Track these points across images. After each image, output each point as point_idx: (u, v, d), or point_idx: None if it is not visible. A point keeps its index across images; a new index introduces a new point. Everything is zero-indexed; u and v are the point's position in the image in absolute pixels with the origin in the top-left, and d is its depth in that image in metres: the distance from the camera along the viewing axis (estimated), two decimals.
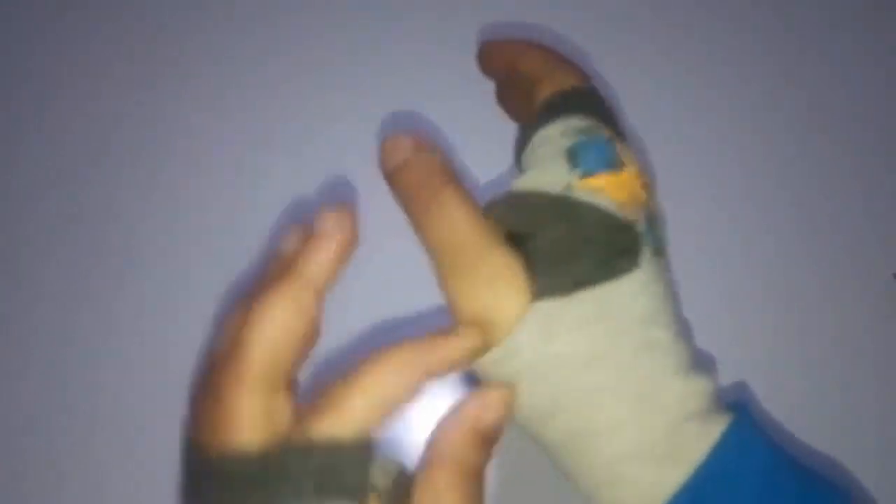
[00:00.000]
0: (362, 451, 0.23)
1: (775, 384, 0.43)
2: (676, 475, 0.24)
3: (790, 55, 0.51)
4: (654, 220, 0.27)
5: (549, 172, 0.26)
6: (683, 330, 0.28)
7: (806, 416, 0.42)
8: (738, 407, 0.27)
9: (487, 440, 0.25)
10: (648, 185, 0.28)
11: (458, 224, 0.25)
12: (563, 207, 0.25)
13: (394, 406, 0.24)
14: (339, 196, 0.47)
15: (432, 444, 0.25)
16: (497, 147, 0.48)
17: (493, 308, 0.25)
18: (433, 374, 0.25)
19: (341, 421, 0.23)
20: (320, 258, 0.25)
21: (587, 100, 0.29)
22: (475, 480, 0.25)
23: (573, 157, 0.26)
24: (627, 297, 0.25)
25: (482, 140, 0.48)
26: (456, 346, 0.24)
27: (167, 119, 0.49)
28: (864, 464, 0.40)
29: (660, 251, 0.27)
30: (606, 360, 0.24)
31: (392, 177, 0.27)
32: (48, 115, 0.49)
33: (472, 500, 0.24)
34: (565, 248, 0.25)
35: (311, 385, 0.26)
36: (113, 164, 0.48)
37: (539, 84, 0.29)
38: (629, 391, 0.24)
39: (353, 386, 0.24)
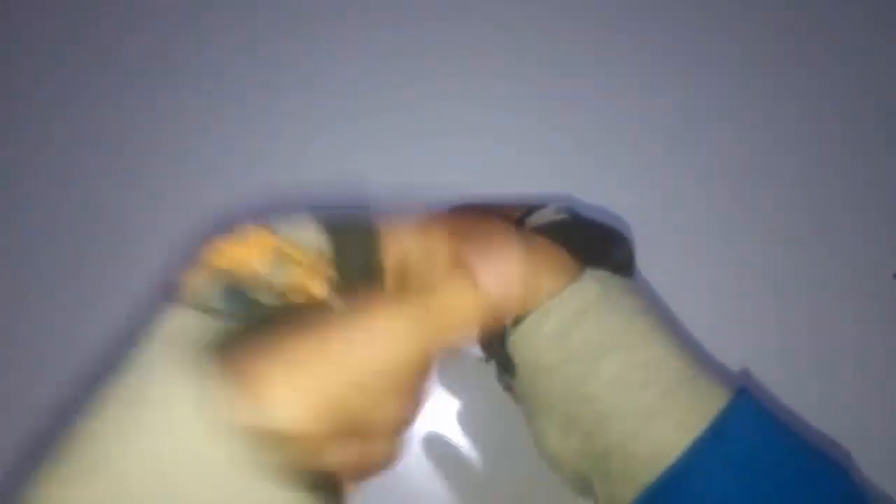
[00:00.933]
0: None
1: (775, 384, 0.43)
2: (690, 430, 0.26)
3: (793, 55, 0.51)
4: None
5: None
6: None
7: (806, 416, 0.42)
8: (741, 388, 0.30)
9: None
10: None
11: (479, 216, 0.30)
12: (581, 224, 0.32)
13: None
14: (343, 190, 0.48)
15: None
16: (493, 145, 0.49)
17: (549, 270, 0.29)
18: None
19: None
20: None
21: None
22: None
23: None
24: (642, 293, 0.30)
25: (476, 138, 0.48)
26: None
27: (167, 119, 0.49)
28: (864, 463, 0.40)
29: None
30: (649, 315, 0.29)
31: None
32: (48, 115, 0.50)
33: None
34: (598, 247, 0.31)
35: None
36: (113, 165, 0.48)
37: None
38: (667, 339, 0.29)
39: None
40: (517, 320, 0.29)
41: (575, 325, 0.28)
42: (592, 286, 0.28)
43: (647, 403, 0.27)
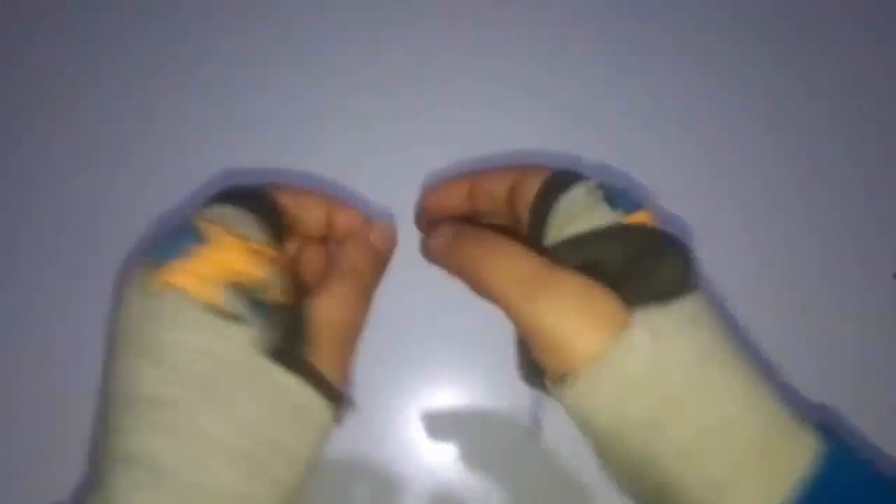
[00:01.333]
0: None
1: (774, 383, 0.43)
2: (785, 482, 0.23)
3: (794, 54, 0.51)
4: None
5: (594, 216, 0.26)
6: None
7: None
8: (827, 436, 0.26)
9: (382, 262, 0.29)
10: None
11: (522, 258, 0.26)
12: (622, 234, 0.26)
13: None
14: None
15: (337, 258, 0.27)
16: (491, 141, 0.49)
17: (587, 323, 0.24)
18: None
19: None
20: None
21: (571, 175, 0.29)
22: (367, 294, 0.28)
23: (611, 201, 0.27)
24: (707, 308, 0.26)
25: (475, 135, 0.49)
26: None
27: (167, 121, 0.49)
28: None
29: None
30: (713, 359, 0.24)
31: (440, 259, 0.29)
32: (48, 116, 0.50)
33: (362, 310, 0.27)
34: (644, 265, 0.25)
35: None
36: (111, 166, 0.48)
37: (519, 187, 0.29)
38: (738, 389, 0.24)
39: None
40: (555, 377, 0.26)
41: (629, 395, 0.24)
42: (643, 340, 0.24)
43: (720, 476, 0.23)
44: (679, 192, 0.48)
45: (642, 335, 0.24)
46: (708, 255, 0.46)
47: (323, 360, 0.25)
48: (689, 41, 0.51)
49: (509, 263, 0.26)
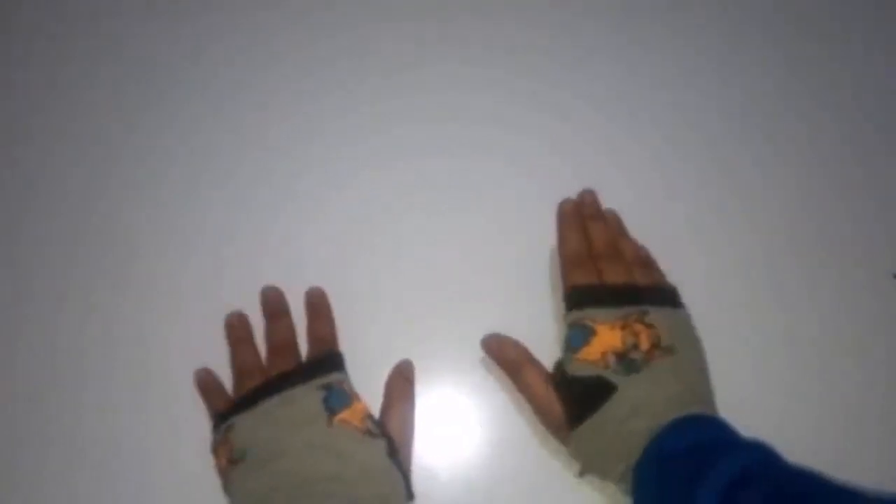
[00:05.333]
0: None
1: (775, 383, 0.43)
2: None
3: (794, 55, 0.51)
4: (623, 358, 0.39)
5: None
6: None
7: (806, 416, 0.42)
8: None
9: (413, 381, 0.43)
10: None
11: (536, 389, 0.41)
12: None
13: None
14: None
15: (390, 388, 0.42)
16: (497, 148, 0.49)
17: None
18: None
19: None
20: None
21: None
22: (414, 402, 0.43)
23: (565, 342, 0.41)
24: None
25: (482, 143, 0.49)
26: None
27: (170, 123, 0.49)
28: (865, 464, 0.40)
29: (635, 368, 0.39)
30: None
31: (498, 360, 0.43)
32: (48, 118, 0.50)
33: (413, 413, 0.42)
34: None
35: None
36: (114, 167, 0.48)
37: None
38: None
39: None
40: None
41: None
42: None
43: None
44: (679, 192, 0.48)
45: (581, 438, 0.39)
46: (708, 254, 0.46)
47: (402, 457, 0.40)
48: (687, 43, 0.52)
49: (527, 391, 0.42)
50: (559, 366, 0.40)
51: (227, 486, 0.39)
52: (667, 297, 0.42)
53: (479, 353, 0.43)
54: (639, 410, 0.37)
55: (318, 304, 0.44)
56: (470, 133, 0.49)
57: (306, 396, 0.39)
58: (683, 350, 0.39)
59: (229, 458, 0.38)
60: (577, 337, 0.40)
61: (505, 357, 0.42)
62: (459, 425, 0.43)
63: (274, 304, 0.44)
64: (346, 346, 0.43)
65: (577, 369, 0.39)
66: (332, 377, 0.40)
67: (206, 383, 0.42)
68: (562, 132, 0.49)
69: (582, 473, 0.39)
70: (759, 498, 0.31)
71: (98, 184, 0.48)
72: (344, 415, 0.39)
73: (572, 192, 0.46)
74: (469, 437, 0.43)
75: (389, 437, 0.39)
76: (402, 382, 0.42)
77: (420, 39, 0.51)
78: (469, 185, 0.48)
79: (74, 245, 0.46)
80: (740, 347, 0.44)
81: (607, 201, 0.46)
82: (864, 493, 0.31)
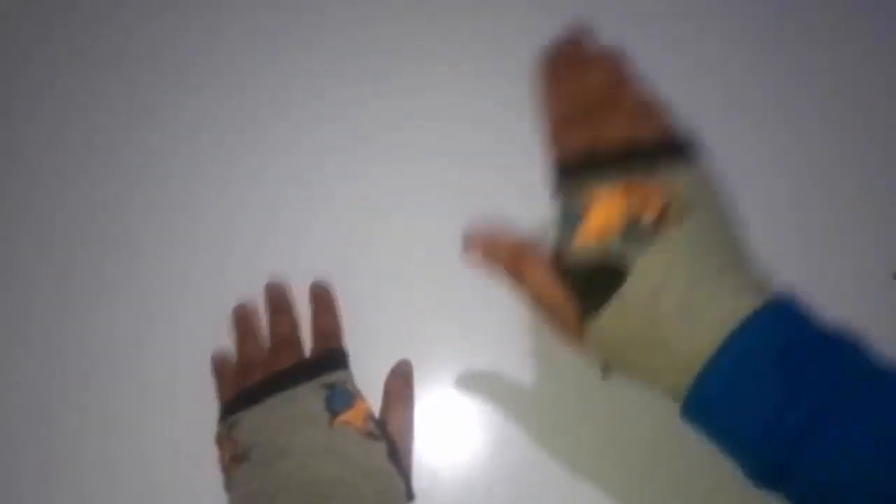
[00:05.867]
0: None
1: None
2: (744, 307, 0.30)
3: (793, 54, 0.51)
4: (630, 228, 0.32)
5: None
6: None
7: None
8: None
9: (412, 382, 0.43)
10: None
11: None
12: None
13: None
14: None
15: (389, 389, 0.42)
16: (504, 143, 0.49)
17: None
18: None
19: None
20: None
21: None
22: (413, 403, 0.42)
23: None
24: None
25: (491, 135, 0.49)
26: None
27: (170, 123, 0.50)
28: None
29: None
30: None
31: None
32: (47, 118, 0.50)
33: (412, 413, 0.42)
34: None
35: None
36: (114, 167, 0.49)
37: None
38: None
39: None
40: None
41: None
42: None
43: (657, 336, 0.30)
44: None
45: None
46: None
47: (402, 458, 0.40)
48: (684, 45, 0.52)
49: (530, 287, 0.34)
50: (557, 254, 0.33)
51: (230, 484, 0.39)
52: (678, 149, 0.34)
53: (480, 353, 0.43)
54: (670, 290, 0.30)
55: (323, 298, 0.44)
56: (474, 131, 0.49)
57: (309, 396, 0.39)
58: (707, 210, 0.33)
59: (233, 456, 0.39)
60: (568, 220, 0.33)
61: (498, 251, 0.35)
62: (459, 425, 0.43)
63: (277, 299, 0.44)
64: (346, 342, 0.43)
65: (577, 253, 0.32)
66: (336, 376, 0.40)
67: (222, 368, 0.43)
68: None
69: (606, 374, 0.33)
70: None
71: (103, 178, 0.48)
72: (346, 416, 0.39)
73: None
74: (469, 437, 0.43)
75: (390, 438, 0.39)
76: (400, 383, 0.42)
77: (424, 36, 0.51)
78: (472, 182, 0.48)
79: (78, 239, 0.47)
80: None
81: None
82: None
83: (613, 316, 0.31)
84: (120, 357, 0.44)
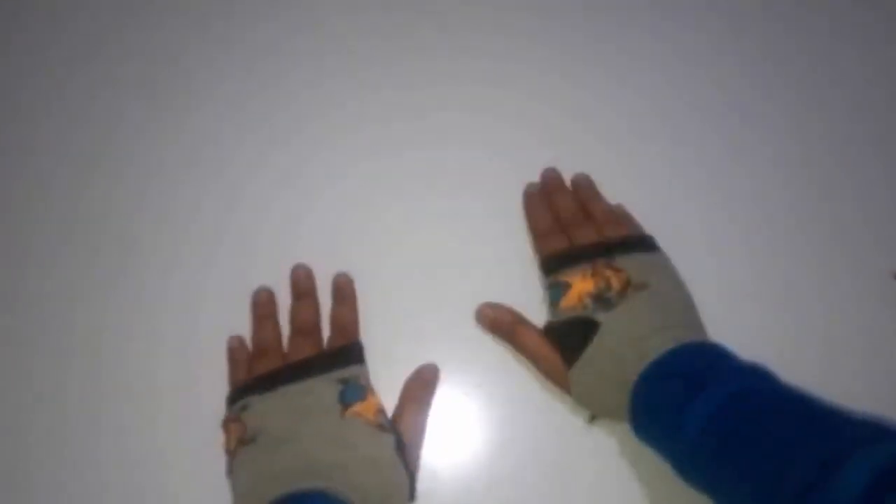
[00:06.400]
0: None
1: None
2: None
3: (791, 54, 0.51)
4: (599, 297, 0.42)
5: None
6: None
7: None
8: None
9: (433, 388, 0.44)
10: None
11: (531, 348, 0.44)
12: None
13: None
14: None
15: (408, 390, 0.43)
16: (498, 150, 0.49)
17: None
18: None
19: None
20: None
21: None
22: (429, 408, 0.43)
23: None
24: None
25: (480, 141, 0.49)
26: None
27: (170, 122, 0.50)
28: None
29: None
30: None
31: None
32: (49, 117, 0.50)
33: (426, 417, 0.43)
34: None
35: None
36: (113, 167, 0.49)
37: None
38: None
39: None
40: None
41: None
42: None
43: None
44: (680, 193, 0.48)
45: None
46: (709, 254, 0.46)
47: (410, 454, 0.41)
48: (683, 45, 0.52)
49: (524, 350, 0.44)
50: (547, 321, 0.43)
51: (233, 465, 0.39)
52: (636, 243, 0.44)
53: (480, 352, 0.43)
54: (625, 339, 0.39)
55: (344, 290, 0.45)
56: (466, 123, 0.49)
57: (324, 388, 0.40)
58: (658, 284, 0.42)
59: (240, 438, 0.39)
60: (555, 293, 0.43)
61: (501, 322, 0.44)
62: (459, 425, 0.43)
63: (302, 283, 0.45)
64: None
65: (560, 315, 0.42)
66: (351, 371, 0.41)
67: (236, 353, 0.43)
68: (554, 120, 0.50)
69: (592, 418, 0.42)
70: (752, 410, 0.34)
71: (102, 178, 0.48)
72: (357, 408, 0.40)
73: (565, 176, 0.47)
74: (469, 437, 0.43)
75: (399, 433, 0.40)
76: (419, 386, 0.43)
77: (414, 30, 0.52)
78: (473, 177, 0.48)
79: (84, 233, 0.47)
80: (742, 349, 0.44)
81: (613, 196, 0.46)
82: (855, 414, 0.33)
83: (588, 361, 0.40)
84: (121, 356, 0.44)
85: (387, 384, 0.42)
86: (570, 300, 0.42)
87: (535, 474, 0.42)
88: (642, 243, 0.44)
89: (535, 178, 0.48)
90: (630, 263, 0.42)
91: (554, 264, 0.44)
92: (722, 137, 0.50)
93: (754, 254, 0.47)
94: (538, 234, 0.46)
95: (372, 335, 0.44)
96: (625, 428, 0.42)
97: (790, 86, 0.51)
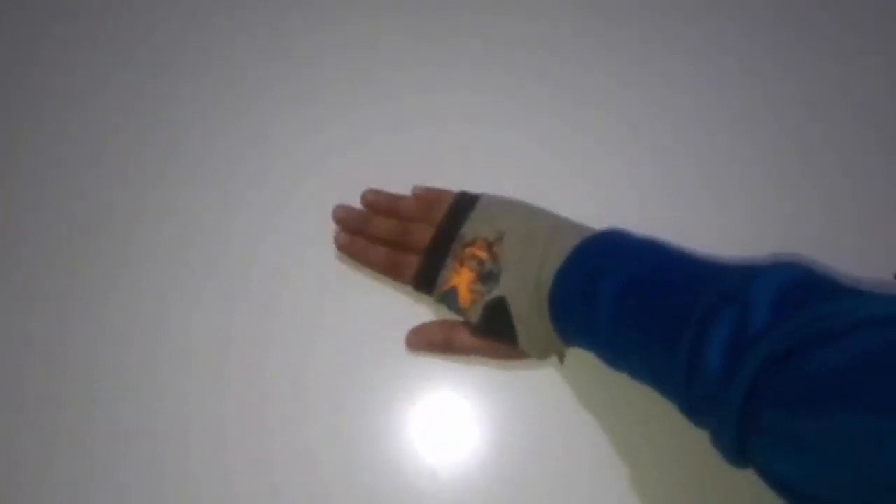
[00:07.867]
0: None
1: None
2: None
3: (791, 52, 0.51)
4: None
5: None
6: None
7: None
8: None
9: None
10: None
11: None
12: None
13: None
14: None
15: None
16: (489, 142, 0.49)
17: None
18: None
19: None
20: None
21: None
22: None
23: None
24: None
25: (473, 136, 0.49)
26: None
27: (169, 121, 0.50)
28: None
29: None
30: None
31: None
32: (49, 117, 0.50)
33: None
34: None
35: None
36: (113, 166, 0.49)
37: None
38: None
39: None
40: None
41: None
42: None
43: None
44: (677, 192, 0.48)
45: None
46: (710, 254, 0.46)
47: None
48: (681, 45, 0.52)
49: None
50: (469, 325, 0.43)
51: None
52: (462, 206, 0.44)
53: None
54: (530, 288, 0.40)
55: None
56: (466, 131, 0.49)
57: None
58: (508, 222, 0.43)
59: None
60: (450, 302, 0.43)
61: (433, 341, 0.44)
62: (459, 425, 0.43)
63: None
64: (345, 340, 0.44)
65: (470, 315, 0.42)
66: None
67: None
68: (555, 128, 0.49)
69: (561, 358, 0.43)
70: (654, 282, 0.36)
71: (100, 178, 0.48)
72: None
73: (566, 186, 0.47)
74: (469, 437, 0.43)
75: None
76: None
77: (418, 36, 0.51)
78: (473, 179, 0.48)
79: (77, 238, 0.47)
80: None
81: (595, 195, 0.46)
82: (731, 265, 0.35)
83: (523, 329, 0.41)
84: (120, 356, 0.44)
85: (387, 384, 0.42)
86: (465, 300, 0.42)
87: (535, 474, 0.42)
88: (464, 202, 0.44)
89: (533, 178, 0.48)
90: (474, 227, 0.43)
91: (425, 282, 0.44)
92: (722, 137, 0.49)
93: (754, 254, 0.46)
94: (385, 270, 0.45)
95: (372, 335, 0.44)
96: (624, 428, 0.42)
97: (790, 86, 0.51)
